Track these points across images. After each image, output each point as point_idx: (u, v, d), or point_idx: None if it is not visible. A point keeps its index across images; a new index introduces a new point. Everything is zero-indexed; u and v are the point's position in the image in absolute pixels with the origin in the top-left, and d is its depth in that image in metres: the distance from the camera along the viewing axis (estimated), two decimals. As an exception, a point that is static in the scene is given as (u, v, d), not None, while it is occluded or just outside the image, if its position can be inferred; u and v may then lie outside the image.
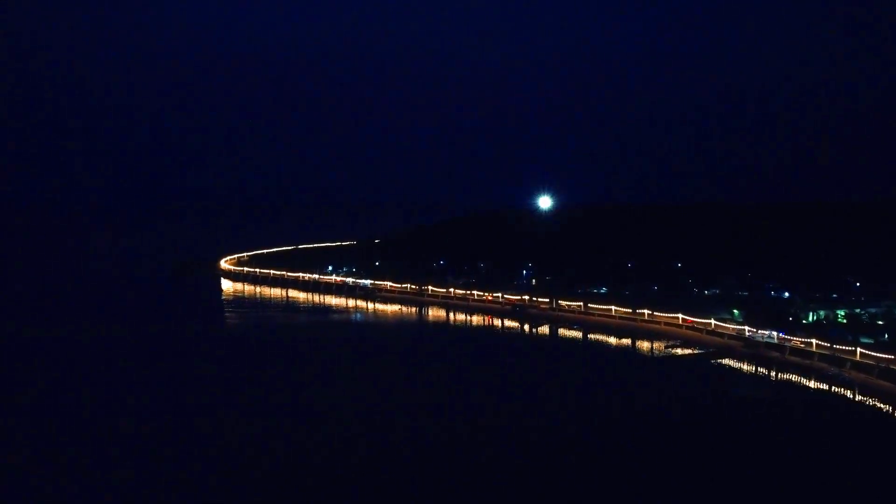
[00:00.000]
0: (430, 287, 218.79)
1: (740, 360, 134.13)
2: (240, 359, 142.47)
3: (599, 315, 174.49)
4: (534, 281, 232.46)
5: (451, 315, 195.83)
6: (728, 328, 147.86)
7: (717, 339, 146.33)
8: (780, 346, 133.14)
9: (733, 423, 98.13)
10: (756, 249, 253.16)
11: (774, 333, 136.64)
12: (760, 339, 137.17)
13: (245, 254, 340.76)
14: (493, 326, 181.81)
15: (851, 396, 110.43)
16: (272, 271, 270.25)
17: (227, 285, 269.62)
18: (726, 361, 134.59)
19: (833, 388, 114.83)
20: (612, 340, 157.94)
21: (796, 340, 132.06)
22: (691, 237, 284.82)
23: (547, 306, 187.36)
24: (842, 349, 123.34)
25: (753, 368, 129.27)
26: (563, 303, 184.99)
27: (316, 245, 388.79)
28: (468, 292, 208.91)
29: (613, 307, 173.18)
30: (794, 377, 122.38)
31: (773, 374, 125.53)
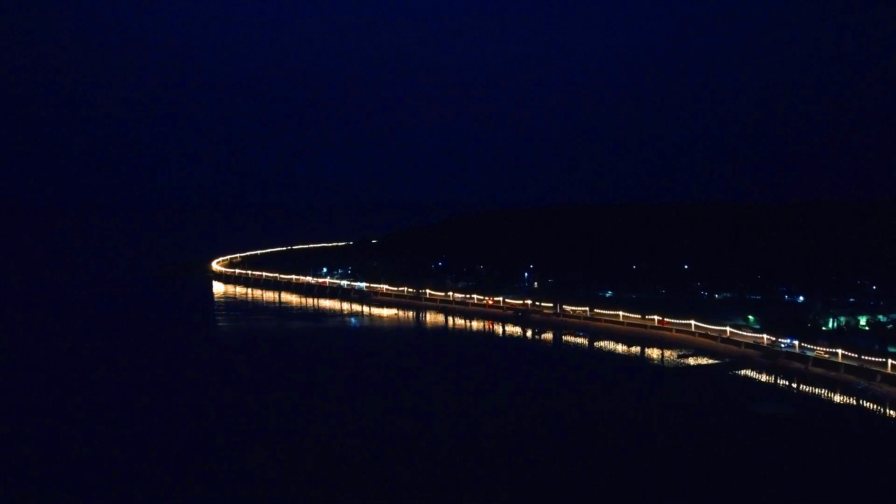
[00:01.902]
0: (427, 290, 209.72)
1: (759, 370, 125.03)
2: (230, 370, 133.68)
3: (606, 321, 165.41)
4: (535, 284, 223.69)
5: (450, 320, 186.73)
6: (744, 336, 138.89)
7: (733, 347, 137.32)
8: (801, 356, 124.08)
9: (755, 443, 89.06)
10: (765, 251, 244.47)
11: (795, 342, 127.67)
12: (780, 349, 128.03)
13: (238, 255, 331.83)
14: (493, 332, 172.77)
15: (883, 413, 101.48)
16: (264, 273, 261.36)
17: (218, 288, 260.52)
18: (744, 372, 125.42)
19: (862, 402, 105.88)
20: (620, 348, 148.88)
21: (819, 350, 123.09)
22: (697, 238, 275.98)
23: (550, 311, 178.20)
24: (870, 360, 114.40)
25: (774, 380, 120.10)
26: (567, 308, 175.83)
27: (311, 245, 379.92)
28: (467, 296, 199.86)
29: (621, 313, 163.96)
30: (818, 390, 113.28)
31: (794, 386, 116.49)
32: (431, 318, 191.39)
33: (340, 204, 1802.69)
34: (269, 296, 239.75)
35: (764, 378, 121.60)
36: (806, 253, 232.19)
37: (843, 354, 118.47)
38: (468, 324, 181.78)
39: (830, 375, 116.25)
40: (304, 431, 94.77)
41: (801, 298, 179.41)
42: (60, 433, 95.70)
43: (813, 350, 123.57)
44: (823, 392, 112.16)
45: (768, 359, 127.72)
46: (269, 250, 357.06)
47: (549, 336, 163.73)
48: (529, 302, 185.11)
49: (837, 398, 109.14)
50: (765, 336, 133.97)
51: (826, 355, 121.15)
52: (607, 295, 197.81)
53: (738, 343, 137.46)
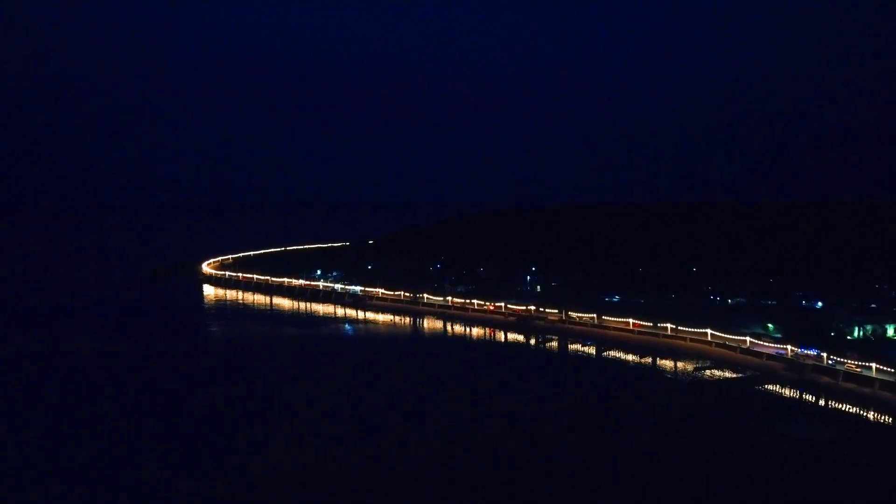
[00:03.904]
0: (425, 295, 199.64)
1: (783, 385, 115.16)
2: (216, 379, 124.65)
3: (615, 328, 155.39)
4: (538, 287, 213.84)
5: (449, 327, 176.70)
6: (766, 346, 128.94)
7: (754, 359, 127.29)
8: (831, 370, 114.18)
9: (791, 471, 79.31)
10: (775, 253, 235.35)
11: (824, 354, 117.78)
12: (807, 362, 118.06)
13: (230, 256, 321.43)
14: (495, 340, 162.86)
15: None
16: (255, 276, 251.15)
17: (208, 291, 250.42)
18: (769, 387, 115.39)
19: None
20: (631, 358, 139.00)
21: (850, 363, 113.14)
22: (704, 239, 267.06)
23: (556, 317, 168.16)
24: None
25: (805, 397, 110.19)
26: (573, 314, 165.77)
27: (306, 247, 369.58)
28: (467, 301, 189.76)
29: (631, 320, 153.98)
30: (851, 408, 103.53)
31: (823, 402, 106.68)
32: (429, 324, 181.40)
33: (339, 203, 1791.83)
34: (261, 299, 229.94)
35: (790, 394, 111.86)
36: (818, 255, 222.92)
37: (877, 368, 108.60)
38: (468, 331, 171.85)
39: (864, 392, 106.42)
40: (291, 444, 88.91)
41: (820, 304, 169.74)
42: (41, 440, 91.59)
43: (843, 363, 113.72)
44: (858, 410, 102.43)
45: (794, 372, 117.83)
46: (262, 251, 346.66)
47: (554, 344, 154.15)
48: (533, 308, 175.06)
49: (874, 417, 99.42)
50: (789, 347, 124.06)
51: (858, 369, 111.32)
52: (614, 300, 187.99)
53: (759, 354, 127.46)
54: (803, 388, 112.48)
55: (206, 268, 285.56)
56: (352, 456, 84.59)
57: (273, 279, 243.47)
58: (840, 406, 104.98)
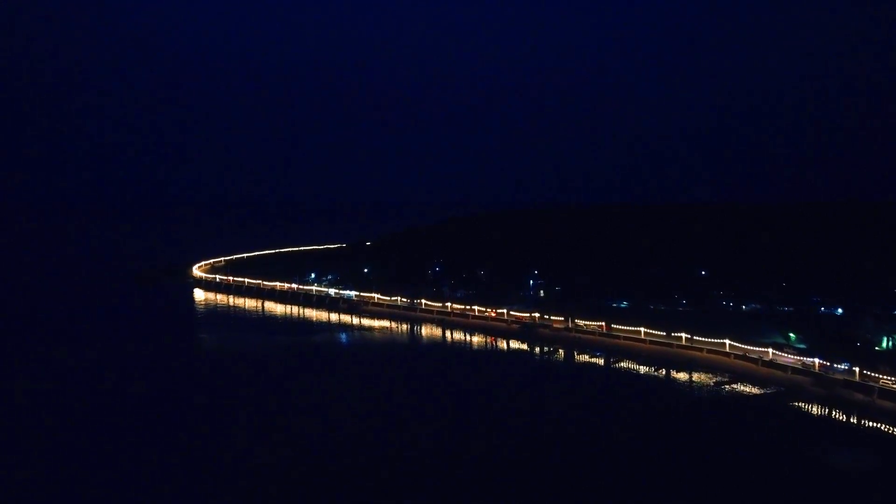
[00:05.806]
0: (423, 301, 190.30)
1: (813, 403, 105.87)
2: (202, 391, 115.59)
3: (625, 338, 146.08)
4: (542, 292, 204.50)
5: (449, 334, 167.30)
6: (790, 359, 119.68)
7: (778, 372, 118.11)
8: (864, 386, 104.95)
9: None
10: (786, 256, 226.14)
11: (856, 369, 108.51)
12: (838, 376, 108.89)
13: (222, 258, 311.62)
14: (497, 349, 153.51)
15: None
16: (247, 279, 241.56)
17: (199, 296, 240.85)
18: (798, 405, 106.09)
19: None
20: (643, 370, 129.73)
21: (885, 379, 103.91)
22: (712, 242, 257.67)
23: (561, 325, 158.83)
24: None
25: (829, 414, 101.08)
26: (580, 322, 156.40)
27: (301, 249, 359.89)
28: (467, 307, 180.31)
29: (643, 329, 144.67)
30: (890, 430, 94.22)
31: (857, 422, 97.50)
32: (427, 331, 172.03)
33: (337, 204, 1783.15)
34: (252, 304, 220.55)
35: (819, 413, 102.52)
36: (831, 258, 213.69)
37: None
38: (468, 338, 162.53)
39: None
40: (288, 452, 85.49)
41: (840, 311, 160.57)
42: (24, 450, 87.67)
43: (879, 378, 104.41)
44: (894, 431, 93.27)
45: (822, 387, 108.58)
46: (255, 253, 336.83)
47: (560, 354, 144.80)
48: (537, 315, 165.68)
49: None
50: (816, 360, 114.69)
51: (895, 386, 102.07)
52: (622, 306, 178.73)
53: (783, 367, 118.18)
54: (833, 406, 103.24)
55: (197, 270, 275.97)
56: (347, 466, 79.82)
57: (265, 283, 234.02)
58: (873, 424, 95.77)
